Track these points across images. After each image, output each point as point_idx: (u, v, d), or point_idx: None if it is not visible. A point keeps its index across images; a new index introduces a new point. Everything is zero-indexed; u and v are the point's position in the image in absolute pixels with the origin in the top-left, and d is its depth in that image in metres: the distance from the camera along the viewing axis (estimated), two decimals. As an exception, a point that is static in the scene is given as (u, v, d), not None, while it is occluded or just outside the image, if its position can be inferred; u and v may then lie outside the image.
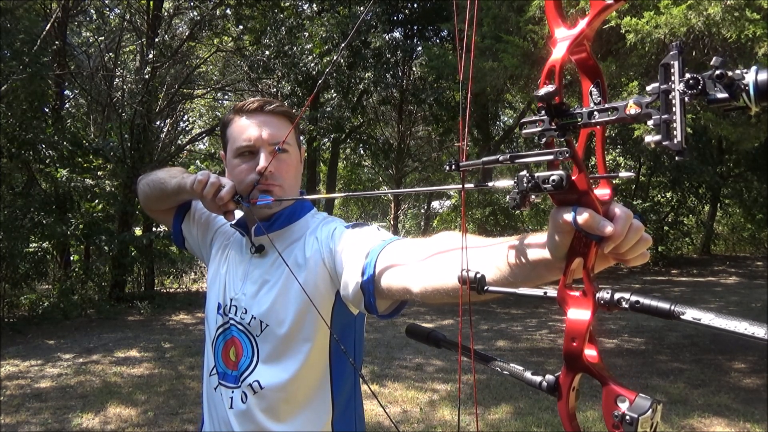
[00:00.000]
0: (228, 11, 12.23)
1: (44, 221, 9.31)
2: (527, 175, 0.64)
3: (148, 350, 6.79)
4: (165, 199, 1.49)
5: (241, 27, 12.92)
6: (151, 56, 10.56)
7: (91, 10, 12.53)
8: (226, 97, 17.29)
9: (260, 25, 12.40)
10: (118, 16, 13.29)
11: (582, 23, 0.64)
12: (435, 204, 22.47)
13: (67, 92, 12.36)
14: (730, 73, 0.51)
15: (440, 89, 12.48)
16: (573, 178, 0.63)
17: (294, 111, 1.34)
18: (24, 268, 9.15)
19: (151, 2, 11.28)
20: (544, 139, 0.64)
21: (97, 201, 10.22)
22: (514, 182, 0.65)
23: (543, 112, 0.63)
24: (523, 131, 0.65)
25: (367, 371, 5.79)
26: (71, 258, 10.77)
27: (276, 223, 1.27)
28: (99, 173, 10.35)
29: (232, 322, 1.29)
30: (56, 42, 9.67)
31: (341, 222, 1.26)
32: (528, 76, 6.93)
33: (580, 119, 0.62)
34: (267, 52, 12.19)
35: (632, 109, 0.58)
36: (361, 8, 12.65)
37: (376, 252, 1.03)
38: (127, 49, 14.61)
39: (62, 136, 9.37)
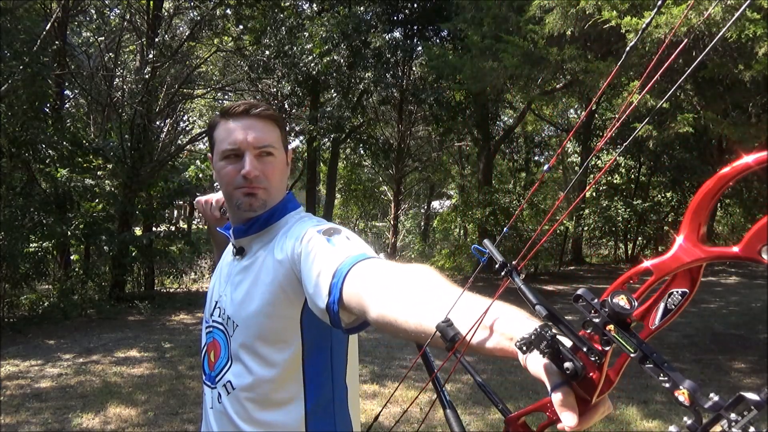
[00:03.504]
0: (228, 11, 12.21)
1: (44, 221, 9.30)
2: (550, 339, 0.60)
3: (148, 350, 6.79)
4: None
5: (241, 27, 12.90)
6: (151, 56, 10.55)
7: (91, 10, 12.52)
8: (226, 97, 17.28)
9: (260, 25, 12.40)
10: (118, 16, 13.29)
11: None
12: (435, 204, 22.49)
13: (67, 92, 12.36)
14: None
15: (440, 89, 12.49)
16: (590, 375, 0.60)
17: (282, 116, 1.37)
18: (24, 268, 9.12)
19: (151, 2, 11.28)
20: (590, 330, 0.60)
21: (97, 201, 10.22)
22: (533, 332, 0.61)
23: (606, 314, 0.59)
24: (577, 304, 0.61)
25: (367, 371, 5.78)
26: (71, 258, 10.75)
27: (254, 225, 1.29)
28: (99, 173, 10.34)
29: (214, 324, 1.34)
30: (56, 42, 9.66)
31: (313, 223, 1.24)
32: (528, 76, 6.94)
33: (633, 352, 0.58)
34: (267, 52, 12.19)
35: None
36: (361, 8, 12.66)
37: (342, 272, 1.02)
38: (127, 49, 14.61)
39: (62, 136, 9.36)
